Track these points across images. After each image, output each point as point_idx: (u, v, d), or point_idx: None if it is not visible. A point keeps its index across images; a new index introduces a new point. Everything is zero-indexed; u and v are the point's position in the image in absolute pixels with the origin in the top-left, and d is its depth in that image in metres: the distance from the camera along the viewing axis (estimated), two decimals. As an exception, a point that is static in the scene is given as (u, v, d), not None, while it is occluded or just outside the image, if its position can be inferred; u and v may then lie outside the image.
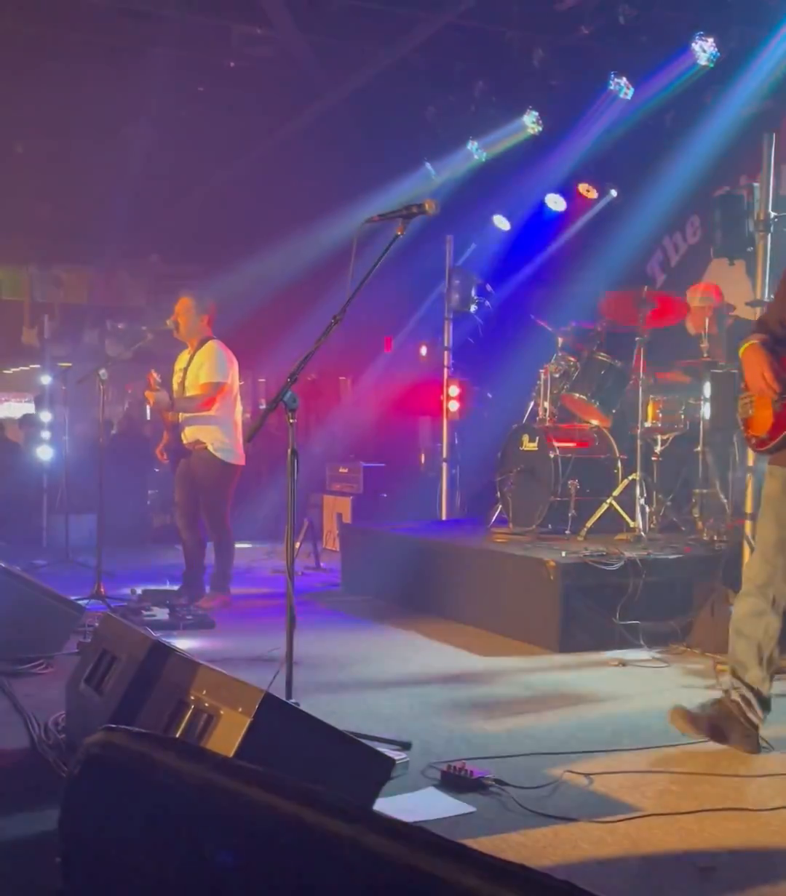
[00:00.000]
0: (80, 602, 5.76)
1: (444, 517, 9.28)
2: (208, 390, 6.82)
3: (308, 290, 10.80)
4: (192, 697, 3.03)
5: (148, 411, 13.19)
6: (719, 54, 7.56)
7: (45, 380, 10.82)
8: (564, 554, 6.06)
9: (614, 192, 9.61)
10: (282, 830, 1.31)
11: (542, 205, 10.03)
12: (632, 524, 6.66)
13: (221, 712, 2.89)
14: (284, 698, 3.47)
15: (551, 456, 7.09)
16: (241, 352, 7.24)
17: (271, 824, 1.32)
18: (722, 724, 3.91)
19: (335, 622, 6.71)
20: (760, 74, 7.53)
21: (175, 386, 7.03)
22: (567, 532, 6.94)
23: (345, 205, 9.62)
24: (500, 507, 7.70)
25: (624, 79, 8.30)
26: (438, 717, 4.37)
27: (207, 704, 2.96)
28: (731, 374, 6.47)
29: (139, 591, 7.05)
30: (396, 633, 6.28)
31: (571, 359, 7.54)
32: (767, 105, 7.72)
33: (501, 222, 10.10)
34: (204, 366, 6.88)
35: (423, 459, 11.13)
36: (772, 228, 6.31)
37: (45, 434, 10.42)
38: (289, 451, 3.73)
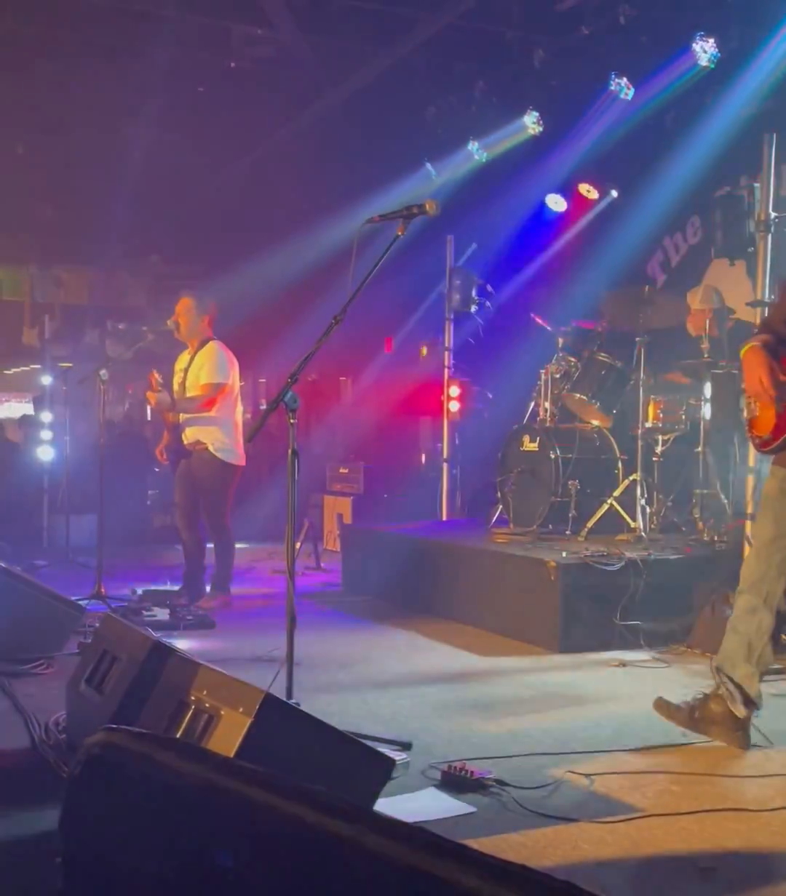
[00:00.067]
0: (80, 602, 5.76)
1: (444, 517, 9.28)
2: (209, 391, 6.82)
3: (309, 290, 10.79)
4: (193, 698, 3.03)
5: (149, 411, 13.19)
6: (719, 55, 7.56)
7: (46, 380, 10.82)
8: (564, 554, 6.07)
9: (614, 193, 9.61)
10: (283, 830, 1.31)
11: (542, 205, 10.03)
12: (633, 524, 6.66)
13: (222, 712, 2.89)
14: (284, 698, 3.47)
15: (552, 456, 7.09)
16: (241, 352, 7.24)
17: (272, 824, 1.32)
18: (705, 716, 3.97)
19: (336, 622, 6.71)
20: (760, 75, 7.53)
21: (175, 386, 7.03)
22: (568, 532, 6.94)
23: (345, 205, 9.62)
24: (500, 507, 7.70)
25: (624, 79, 8.29)
26: (438, 718, 4.37)
27: (207, 705, 2.96)
28: (731, 375, 6.47)
29: (140, 591, 7.06)
30: (396, 634, 6.28)
31: (572, 359, 7.54)
32: (767, 105, 7.71)
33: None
34: (205, 367, 6.88)
35: (423, 460, 11.12)
36: (772, 229, 6.31)
37: (46, 434, 10.41)
38: (289, 451, 3.74)
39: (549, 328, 7.96)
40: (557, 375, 7.59)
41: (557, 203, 9.99)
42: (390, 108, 9.78)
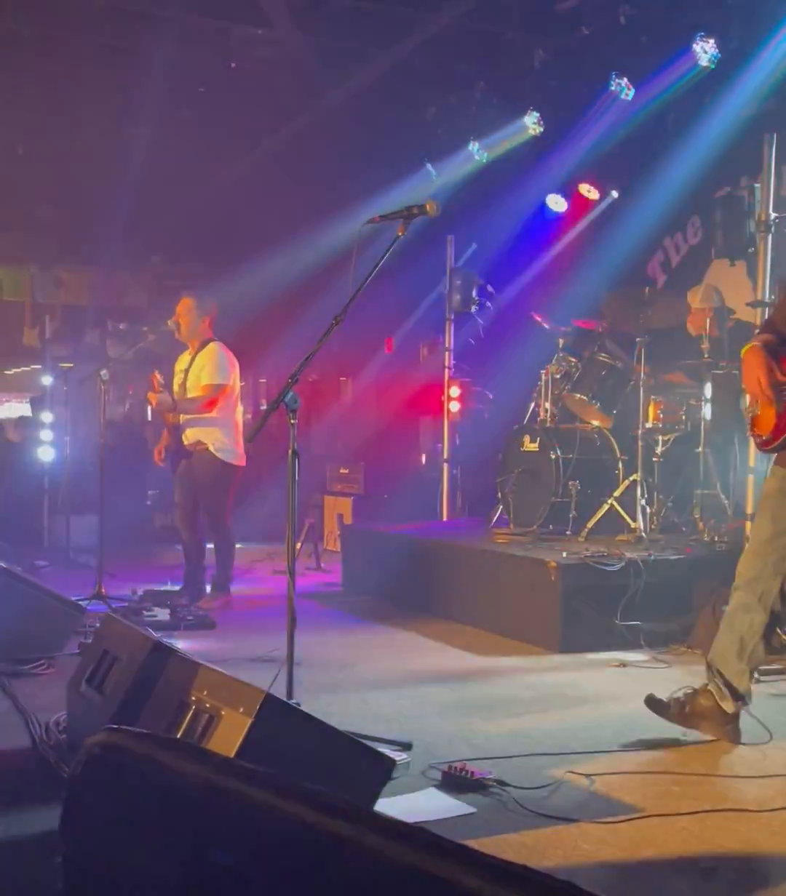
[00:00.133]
0: (81, 602, 5.76)
1: (445, 518, 9.28)
2: (210, 392, 6.83)
3: (309, 290, 10.79)
4: (194, 698, 3.04)
5: (149, 412, 13.19)
6: (719, 55, 7.56)
7: (47, 380, 10.81)
8: (565, 554, 6.07)
9: (615, 194, 9.61)
10: (283, 831, 1.31)
11: (543, 205, 10.03)
12: (633, 525, 6.66)
13: (222, 713, 2.90)
14: (284, 699, 3.47)
15: (552, 456, 7.10)
16: (242, 352, 7.25)
17: (272, 824, 1.32)
18: (694, 711, 4.00)
19: (336, 622, 6.71)
20: (761, 75, 7.53)
21: (176, 387, 7.03)
22: (568, 533, 6.95)
23: (345, 205, 9.61)
24: (501, 507, 7.70)
25: (625, 79, 8.29)
26: (438, 718, 4.37)
27: (208, 705, 2.96)
28: (732, 375, 6.47)
29: (140, 591, 7.05)
30: (396, 634, 6.28)
31: (572, 359, 7.54)
32: (768, 106, 7.71)
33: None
34: (206, 367, 6.88)
35: (424, 460, 11.12)
36: (773, 229, 6.31)
37: (46, 434, 10.41)
38: (290, 451, 3.74)
39: (549, 328, 7.96)
40: (558, 376, 7.60)
41: (557, 203, 9.99)
42: (391, 108, 9.78)
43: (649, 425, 6.84)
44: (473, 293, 9.38)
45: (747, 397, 4.07)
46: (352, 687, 4.92)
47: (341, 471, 10.78)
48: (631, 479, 6.79)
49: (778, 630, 5.15)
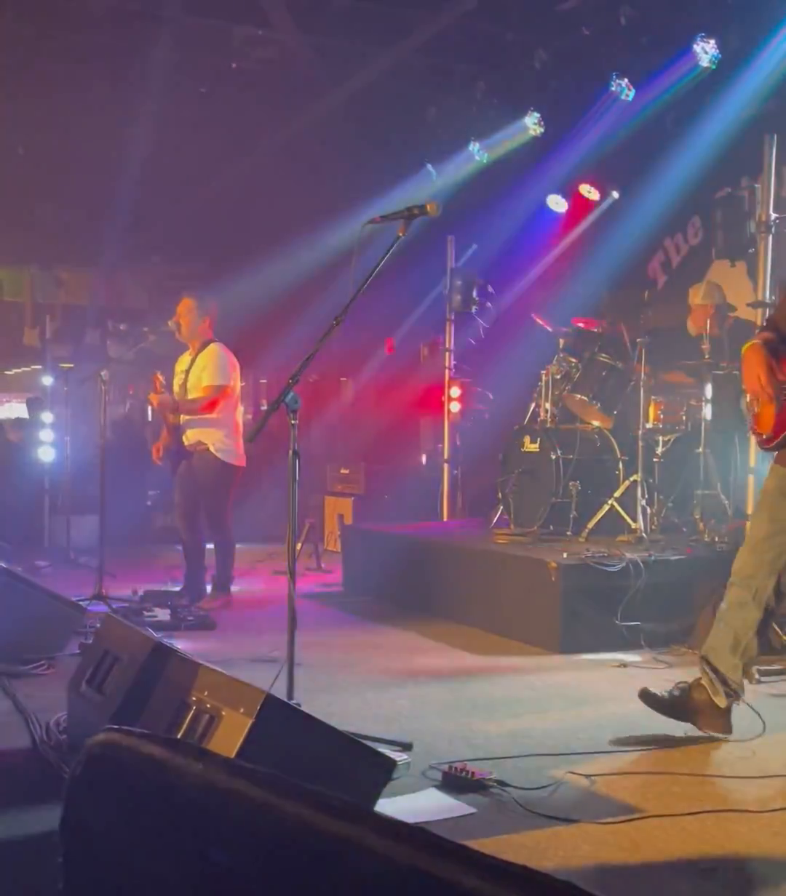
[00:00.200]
0: (81, 603, 5.76)
1: (445, 518, 9.28)
2: (211, 393, 6.83)
3: (310, 291, 10.79)
4: (194, 698, 3.04)
5: (149, 412, 13.19)
6: (720, 56, 7.56)
7: (47, 381, 10.81)
8: (565, 555, 6.07)
9: (615, 194, 9.61)
10: (283, 831, 1.31)
11: (543, 206, 10.03)
12: (633, 525, 6.66)
13: (223, 713, 2.90)
14: (285, 699, 3.47)
15: (553, 457, 7.10)
16: (242, 353, 7.25)
17: (273, 825, 1.32)
18: (687, 705, 4.04)
19: (337, 623, 6.71)
20: (761, 75, 7.53)
21: (176, 388, 7.03)
22: (568, 533, 6.95)
23: (346, 206, 9.62)
24: (501, 508, 7.70)
25: (625, 80, 8.29)
26: (439, 718, 4.37)
27: (208, 705, 2.96)
28: (732, 376, 6.47)
29: (141, 591, 7.06)
30: (397, 634, 6.28)
31: (573, 360, 7.54)
32: (768, 106, 7.71)
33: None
34: (207, 368, 6.88)
35: (424, 460, 11.12)
36: (773, 230, 6.32)
37: (47, 435, 10.41)
38: (290, 452, 3.74)
39: (549, 329, 7.96)
40: (558, 376, 7.60)
41: (557, 204, 9.99)
42: (391, 109, 9.78)
43: (649, 426, 6.84)
44: (474, 293, 9.38)
45: (748, 396, 4.09)
46: (352, 687, 4.92)
47: (342, 471, 10.78)
48: (631, 479, 6.79)
49: (778, 630, 5.17)
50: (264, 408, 12.14)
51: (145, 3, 8.13)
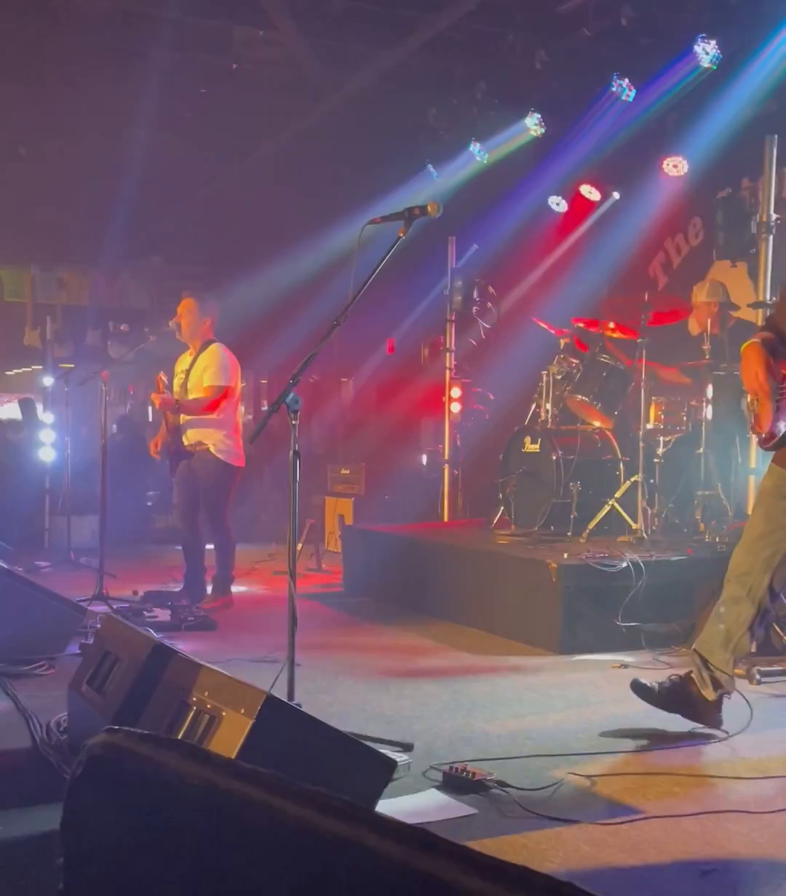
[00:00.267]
0: (82, 603, 5.76)
1: (445, 519, 9.28)
2: (213, 393, 6.83)
3: (310, 291, 10.80)
4: (195, 699, 3.03)
5: (150, 413, 13.21)
6: (721, 56, 7.55)
7: (48, 381, 10.82)
8: (566, 556, 6.06)
9: (616, 195, 9.61)
10: (284, 832, 1.31)
11: (544, 206, 10.03)
12: (634, 526, 6.66)
13: (224, 713, 2.89)
14: (285, 699, 3.47)
15: (554, 458, 7.09)
16: (243, 353, 7.25)
17: (274, 826, 1.32)
18: (677, 697, 4.10)
19: (337, 623, 6.71)
20: (762, 76, 7.53)
21: (176, 387, 7.03)
22: (569, 534, 6.94)
23: (347, 206, 9.62)
24: (502, 508, 7.70)
25: (626, 81, 8.30)
26: (439, 719, 4.37)
27: (209, 706, 2.96)
28: (733, 377, 6.47)
29: (141, 592, 7.06)
30: (397, 635, 6.28)
31: (574, 360, 7.54)
32: (768, 107, 7.71)
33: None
34: (208, 369, 6.88)
35: (425, 461, 11.12)
36: (774, 230, 6.32)
37: (47, 436, 10.40)
38: (291, 452, 3.74)
39: (550, 329, 7.96)
40: (559, 377, 7.59)
41: (558, 204, 9.99)
42: (392, 109, 9.78)
43: (650, 426, 6.84)
44: (474, 294, 9.38)
45: (749, 396, 4.11)
46: (353, 687, 4.92)
47: (342, 471, 10.78)
48: (632, 480, 6.79)
49: (779, 631, 5.17)
50: (265, 408, 12.13)
51: (145, 3, 8.13)
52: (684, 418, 6.85)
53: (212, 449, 6.86)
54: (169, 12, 8.06)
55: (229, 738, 2.81)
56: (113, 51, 8.80)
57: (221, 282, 11.08)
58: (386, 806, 3.09)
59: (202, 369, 6.90)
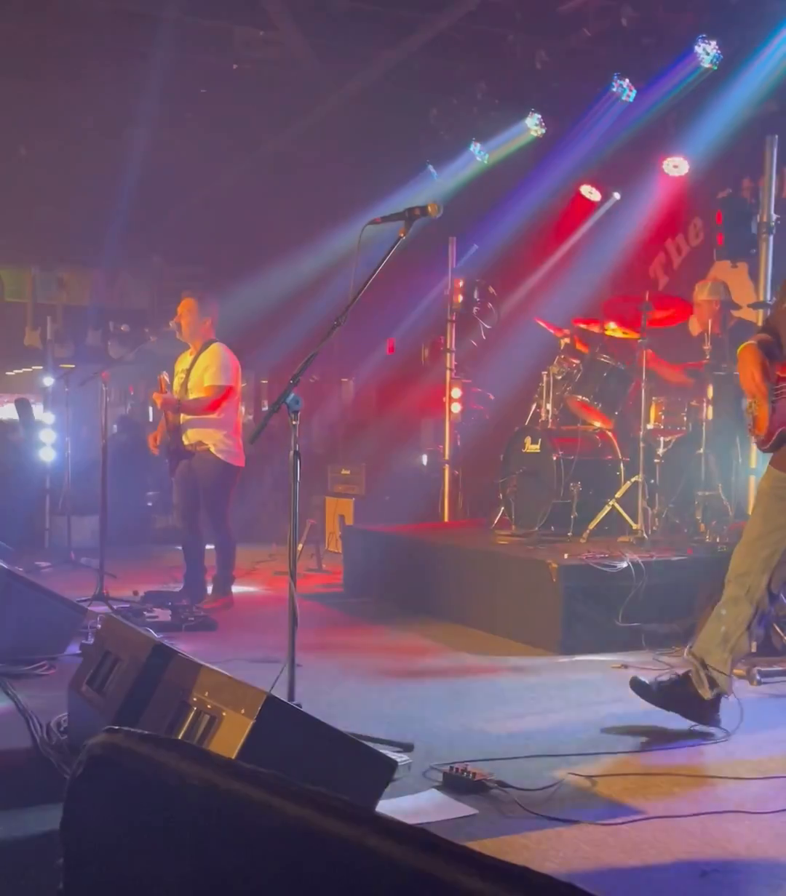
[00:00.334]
0: (82, 603, 5.76)
1: (446, 519, 9.28)
2: (214, 393, 6.83)
3: (311, 291, 10.80)
4: (195, 699, 3.03)
5: (150, 413, 13.20)
6: (721, 57, 7.55)
7: (48, 381, 10.82)
8: (566, 556, 6.06)
9: (617, 195, 9.60)
10: (284, 832, 1.31)
11: (544, 207, 10.02)
12: (634, 526, 6.66)
13: (224, 714, 2.89)
14: (286, 700, 3.47)
15: (554, 458, 7.09)
16: (243, 353, 7.25)
17: (274, 826, 1.32)
18: (674, 696, 4.13)
19: (337, 623, 6.71)
20: (762, 77, 7.53)
21: (176, 387, 7.03)
22: (569, 534, 6.94)
23: (347, 206, 9.62)
24: (502, 508, 7.70)
25: (627, 81, 8.29)
26: (439, 719, 4.37)
27: (209, 706, 2.96)
28: (733, 377, 6.46)
29: (141, 592, 7.06)
30: (398, 635, 6.28)
31: (574, 361, 7.54)
32: (769, 107, 7.71)
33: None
34: (210, 369, 6.88)
35: (425, 461, 11.12)
36: (774, 231, 6.32)
37: (47, 436, 10.40)
38: (291, 452, 3.74)
39: (550, 330, 7.96)
40: (559, 377, 7.59)
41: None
42: (392, 110, 9.78)
43: (650, 427, 6.83)
44: (475, 294, 9.38)
45: (748, 398, 4.13)
46: (353, 688, 4.92)
47: (343, 472, 10.78)
48: (632, 480, 6.79)
49: (779, 631, 5.17)
50: (265, 408, 12.14)
51: (145, 3, 8.13)
52: (685, 418, 6.84)
53: (212, 449, 6.86)
54: (169, 12, 8.05)
55: (230, 739, 2.81)
56: (113, 50, 8.80)
57: (221, 282, 11.07)
58: (386, 806, 3.09)
59: (203, 369, 6.91)
